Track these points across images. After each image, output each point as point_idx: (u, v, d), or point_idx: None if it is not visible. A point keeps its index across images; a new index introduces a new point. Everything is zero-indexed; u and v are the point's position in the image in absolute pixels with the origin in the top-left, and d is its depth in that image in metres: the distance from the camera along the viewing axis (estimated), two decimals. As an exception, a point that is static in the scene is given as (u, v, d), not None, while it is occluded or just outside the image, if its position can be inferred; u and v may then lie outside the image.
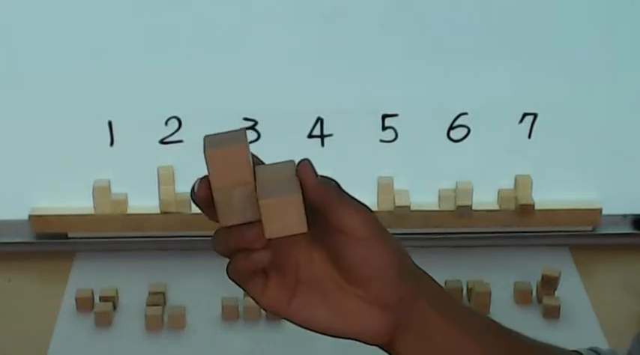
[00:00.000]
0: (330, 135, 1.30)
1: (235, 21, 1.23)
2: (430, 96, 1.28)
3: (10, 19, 1.22)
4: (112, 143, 1.29)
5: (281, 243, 0.68)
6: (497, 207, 1.32)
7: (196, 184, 0.68)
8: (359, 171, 1.26)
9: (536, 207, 1.31)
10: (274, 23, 1.24)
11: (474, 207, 1.31)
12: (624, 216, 1.35)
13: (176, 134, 1.29)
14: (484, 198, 1.32)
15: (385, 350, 0.73)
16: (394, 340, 0.71)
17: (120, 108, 1.27)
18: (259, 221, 0.66)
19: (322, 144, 1.30)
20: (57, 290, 1.27)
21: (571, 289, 1.26)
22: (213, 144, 0.67)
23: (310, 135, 1.29)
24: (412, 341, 0.71)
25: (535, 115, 1.29)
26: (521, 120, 1.30)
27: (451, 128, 1.30)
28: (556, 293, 1.24)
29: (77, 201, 1.31)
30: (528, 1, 1.24)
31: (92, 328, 1.21)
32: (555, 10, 1.24)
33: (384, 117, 1.29)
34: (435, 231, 1.34)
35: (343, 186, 0.69)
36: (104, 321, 1.21)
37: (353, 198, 0.69)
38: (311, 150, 1.24)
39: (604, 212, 1.33)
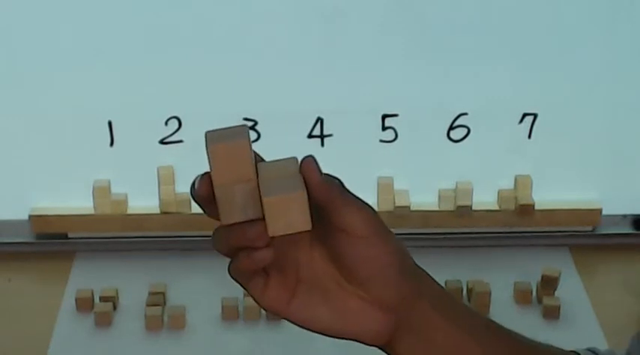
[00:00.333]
0: (330, 135, 1.30)
1: (235, 21, 1.23)
2: (430, 96, 1.28)
3: (10, 19, 1.22)
4: (112, 143, 1.29)
5: (282, 242, 0.68)
6: (497, 207, 1.32)
7: (197, 181, 0.67)
8: (359, 171, 1.26)
9: (536, 207, 1.31)
10: (274, 23, 1.24)
11: (474, 207, 1.31)
12: (624, 216, 1.35)
13: (176, 134, 1.29)
14: (484, 198, 1.32)
15: (385, 351, 0.72)
16: (394, 340, 0.71)
17: (120, 108, 1.27)
18: (261, 219, 0.65)
19: (322, 144, 1.30)
20: (57, 290, 1.27)
21: (571, 289, 1.26)
22: (215, 139, 0.66)
23: (310, 135, 1.29)
24: (412, 341, 0.71)
25: (535, 115, 1.29)
26: (521, 121, 1.30)
27: (451, 128, 1.30)
28: (556, 293, 1.24)
29: (77, 201, 1.31)
30: (528, 1, 1.24)
31: (92, 328, 1.21)
32: (555, 10, 1.24)
33: (384, 117, 1.29)
34: (435, 231, 1.34)
35: (343, 186, 0.69)
36: (104, 321, 1.21)
37: (356, 197, 0.69)
38: (311, 151, 1.21)
39: (604, 212, 1.33)
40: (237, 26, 1.24)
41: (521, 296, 1.25)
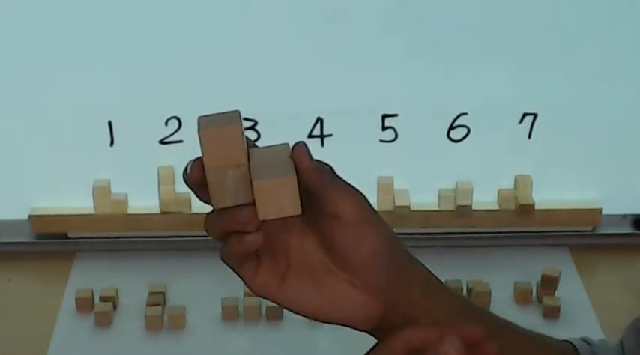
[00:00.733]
0: (330, 135, 1.30)
1: (235, 21, 1.23)
2: (430, 96, 1.28)
3: (10, 19, 1.22)
4: (112, 143, 1.29)
5: (273, 227, 0.68)
6: (497, 207, 1.32)
7: (189, 165, 0.68)
8: (359, 171, 1.24)
9: (536, 207, 1.31)
10: (274, 23, 1.24)
11: (473, 207, 1.31)
12: (624, 216, 1.35)
13: (176, 134, 1.29)
14: (484, 198, 1.32)
15: (375, 336, 0.72)
16: (384, 325, 0.71)
17: (120, 108, 1.27)
18: (252, 203, 0.66)
19: (322, 144, 1.30)
20: (57, 290, 1.27)
21: (571, 289, 1.26)
22: (207, 124, 0.67)
23: (310, 135, 1.29)
24: (401, 326, 0.71)
25: (535, 115, 1.29)
26: (521, 120, 1.30)
27: (451, 128, 1.30)
28: (556, 293, 1.24)
29: (77, 201, 1.31)
30: (528, 1, 1.24)
31: (92, 328, 1.21)
32: (555, 10, 1.24)
33: (384, 117, 1.29)
34: (435, 231, 1.34)
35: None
36: (104, 321, 1.21)
37: (347, 183, 0.69)
38: (311, 150, 1.24)
39: (604, 212, 1.33)
40: (237, 26, 1.24)
41: (521, 296, 1.25)
